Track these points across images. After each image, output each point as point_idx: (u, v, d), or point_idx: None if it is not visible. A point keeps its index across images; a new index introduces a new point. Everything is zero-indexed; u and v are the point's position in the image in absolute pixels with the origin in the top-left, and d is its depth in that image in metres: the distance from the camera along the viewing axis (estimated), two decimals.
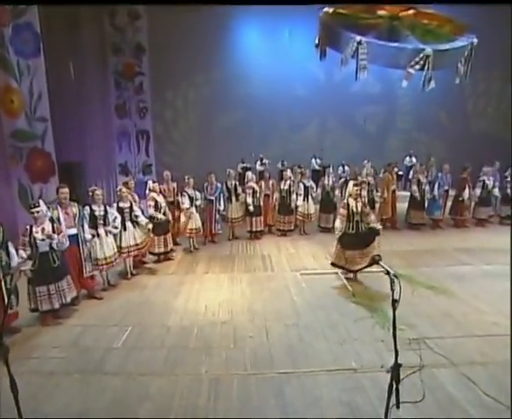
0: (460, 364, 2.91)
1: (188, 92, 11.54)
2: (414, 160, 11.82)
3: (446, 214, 7.62)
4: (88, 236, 3.90)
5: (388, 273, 1.71)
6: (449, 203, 7.67)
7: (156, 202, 5.17)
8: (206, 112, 11.66)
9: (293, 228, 6.89)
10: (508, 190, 7.52)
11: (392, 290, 1.68)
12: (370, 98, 12.29)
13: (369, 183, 7.04)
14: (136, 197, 5.03)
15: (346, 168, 11.46)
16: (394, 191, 7.38)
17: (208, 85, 11.59)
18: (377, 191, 7.45)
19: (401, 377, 1.93)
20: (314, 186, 6.98)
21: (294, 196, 6.73)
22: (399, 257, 5.62)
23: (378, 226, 4.52)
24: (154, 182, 5.48)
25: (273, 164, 11.26)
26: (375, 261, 1.93)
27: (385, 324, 3.48)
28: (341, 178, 11.32)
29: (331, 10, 6.67)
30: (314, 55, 6.92)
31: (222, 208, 6.24)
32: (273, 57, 11.60)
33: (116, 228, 4.25)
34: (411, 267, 5.19)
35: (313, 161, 11.54)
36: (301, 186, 6.88)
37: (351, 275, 4.61)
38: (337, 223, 4.42)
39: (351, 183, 4.66)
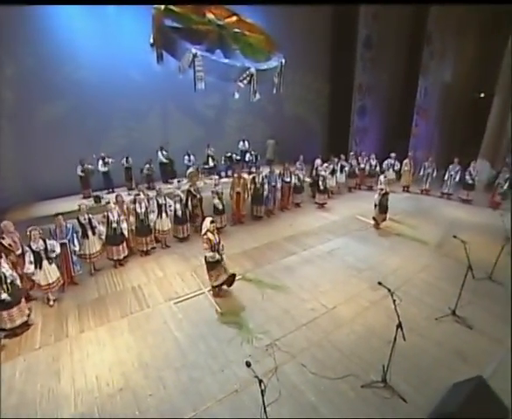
0: (297, 354, 4.44)
1: None
2: (247, 144, 13.72)
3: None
4: None
5: (256, 377, 2.64)
6: None
7: None
8: (19, 101, 9.37)
9: (154, 246, 7.26)
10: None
11: (260, 384, 2.61)
12: (207, 85, 12.93)
13: (217, 193, 8.08)
14: None
15: (192, 157, 12.16)
16: (239, 193, 8.69)
17: (14, 65, 9.21)
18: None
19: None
20: (171, 203, 7.33)
21: (151, 216, 7.01)
22: (248, 258, 7.04)
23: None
24: None
25: (117, 161, 10.65)
26: (247, 365, 2.78)
27: (249, 337, 4.71)
28: (188, 167, 12.05)
29: (163, 6, 6.80)
30: (146, 38, 6.97)
31: (78, 248, 5.85)
32: (100, 37, 10.33)
33: None
34: (258, 267, 6.67)
35: (159, 154, 11.57)
36: (155, 203, 7.17)
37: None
38: (209, 254, 5.31)
39: (208, 220, 5.50)
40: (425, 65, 12.39)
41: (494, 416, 3.33)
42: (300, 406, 3.69)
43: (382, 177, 8.72)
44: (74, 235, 5.80)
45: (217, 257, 5.36)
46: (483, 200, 10.34)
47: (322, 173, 9.95)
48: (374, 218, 8.63)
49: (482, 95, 12.81)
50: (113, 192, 10.43)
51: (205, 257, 5.40)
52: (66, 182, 9.75)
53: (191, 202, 7.94)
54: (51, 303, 5.38)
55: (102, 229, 6.28)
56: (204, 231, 5.37)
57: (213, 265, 5.42)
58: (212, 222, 5.47)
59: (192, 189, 8.05)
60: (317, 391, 3.87)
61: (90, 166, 9.93)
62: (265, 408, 2.73)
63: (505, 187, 9.63)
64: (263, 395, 2.64)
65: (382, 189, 8.38)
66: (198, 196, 8.10)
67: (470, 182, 10.27)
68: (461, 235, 5.26)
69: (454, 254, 6.64)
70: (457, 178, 10.55)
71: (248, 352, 4.44)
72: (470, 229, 8.31)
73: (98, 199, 9.40)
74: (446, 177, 10.85)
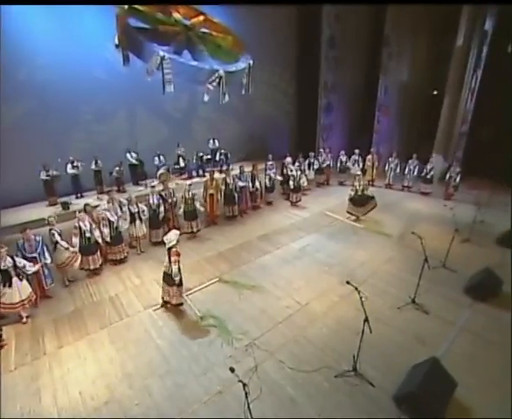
0: (275, 351, 4.71)
1: None
2: (217, 143, 13.76)
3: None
4: None
5: (240, 381, 2.86)
6: None
7: None
8: None
9: (127, 254, 7.20)
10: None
11: (244, 388, 2.84)
12: (175, 85, 12.75)
13: (186, 198, 8.07)
14: None
15: (161, 157, 12.04)
16: (212, 194, 8.80)
17: None
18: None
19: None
20: (144, 208, 7.30)
21: (120, 222, 6.94)
22: (224, 260, 7.22)
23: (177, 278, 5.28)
24: None
25: (86, 164, 10.31)
26: (231, 371, 2.98)
27: (229, 339, 4.93)
28: (158, 168, 11.93)
29: (126, 6, 6.68)
30: (109, 36, 6.82)
31: (49, 261, 5.72)
32: (60, 36, 9.88)
33: None
34: (234, 268, 6.87)
35: (128, 155, 11.34)
36: (127, 212, 7.12)
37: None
38: (175, 270, 5.17)
39: (177, 231, 5.48)
40: (384, 65, 13.07)
41: (445, 390, 3.85)
42: (280, 400, 3.98)
43: (358, 174, 9.35)
44: (44, 247, 5.66)
45: (178, 279, 5.24)
46: (440, 192, 11.21)
47: (293, 172, 10.27)
48: (349, 212, 9.26)
49: (436, 92, 13.75)
50: (82, 197, 10.13)
51: (171, 272, 5.18)
52: (30, 188, 9.33)
53: (163, 207, 7.85)
54: (25, 320, 5.22)
55: (75, 240, 6.16)
56: (174, 243, 5.22)
57: (173, 282, 5.30)
58: (180, 234, 5.48)
59: (163, 194, 8.03)
60: (295, 385, 4.18)
61: (55, 171, 9.52)
62: (249, 409, 2.97)
63: (457, 180, 10.53)
64: (247, 397, 2.87)
65: (354, 186, 9.10)
66: (170, 201, 8.09)
67: (427, 175, 11.11)
68: (420, 226, 5.80)
69: (414, 245, 7.17)
70: (415, 172, 11.37)
71: (228, 353, 4.66)
72: (427, 220, 9.04)
73: (66, 205, 9.09)
74: (406, 171, 11.64)
